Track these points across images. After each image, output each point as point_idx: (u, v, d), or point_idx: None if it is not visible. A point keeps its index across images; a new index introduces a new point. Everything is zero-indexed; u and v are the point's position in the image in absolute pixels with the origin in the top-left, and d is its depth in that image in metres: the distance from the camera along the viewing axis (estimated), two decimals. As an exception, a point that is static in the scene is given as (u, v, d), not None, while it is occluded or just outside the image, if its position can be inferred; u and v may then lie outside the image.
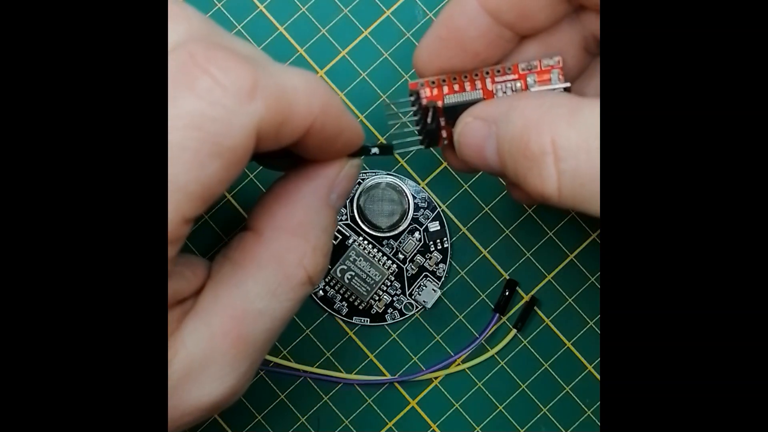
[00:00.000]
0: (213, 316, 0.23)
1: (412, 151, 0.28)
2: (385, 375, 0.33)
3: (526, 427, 0.33)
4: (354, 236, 0.33)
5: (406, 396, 0.33)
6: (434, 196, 0.33)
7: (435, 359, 0.33)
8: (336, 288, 0.33)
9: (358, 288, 0.33)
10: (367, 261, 0.33)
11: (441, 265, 0.33)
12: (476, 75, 0.27)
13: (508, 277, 0.33)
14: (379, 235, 0.33)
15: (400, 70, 0.34)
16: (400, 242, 0.33)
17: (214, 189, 0.21)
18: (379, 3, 0.34)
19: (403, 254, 0.33)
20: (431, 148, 0.28)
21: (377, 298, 0.33)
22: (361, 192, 0.32)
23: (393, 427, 0.33)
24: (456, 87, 0.27)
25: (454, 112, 0.26)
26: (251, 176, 0.33)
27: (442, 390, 0.33)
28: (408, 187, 0.33)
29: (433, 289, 0.33)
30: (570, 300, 0.33)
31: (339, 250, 0.32)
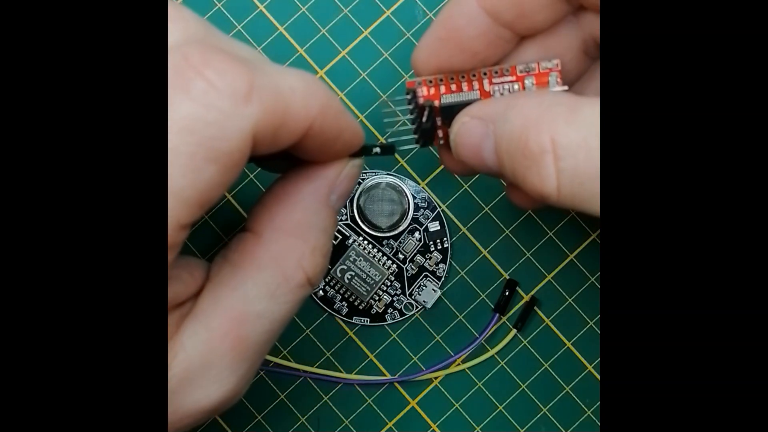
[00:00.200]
0: (212, 319, 0.23)
1: (406, 149, 0.28)
2: (385, 375, 0.33)
3: (526, 427, 0.33)
4: (354, 236, 0.33)
5: (406, 396, 0.33)
6: (434, 196, 0.33)
7: (435, 359, 0.33)
8: (336, 288, 0.33)
9: (358, 288, 0.33)
10: (367, 261, 0.33)
11: (441, 265, 0.33)
12: (474, 75, 0.27)
13: (508, 277, 0.33)
14: (379, 235, 0.33)
15: (400, 70, 0.34)
16: (400, 242, 0.33)
17: (210, 194, 0.21)
18: (379, 3, 0.34)
19: (403, 254, 0.33)
20: (431, 148, 0.28)
21: (377, 298, 0.33)
22: (361, 192, 0.32)
23: (393, 427, 0.33)
24: (453, 87, 0.27)
25: (451, 112, 0.26)
26: (251, 176, 0.33)
27: (442, 390, 0.33)
28: (408, 187, 0.33)
29: (433, 289, 0.33)
30: (570, 300, 0.33)
31: (339, 250, 0.32)
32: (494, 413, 0.33)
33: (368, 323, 0.33)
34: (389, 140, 0.27)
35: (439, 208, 0.33)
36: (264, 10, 0.34)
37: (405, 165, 0.33)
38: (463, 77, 0.27)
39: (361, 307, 0.33)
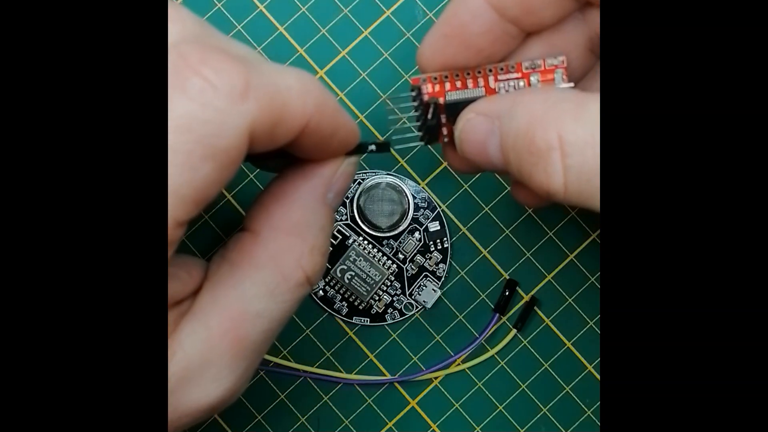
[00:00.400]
0: (211, 318, 0.23)
1: (411, 146, 0.27)
2: (385, 375, 0.33)
3: (526, 427, 0.33)
4: (354, 236, 0.33)
5: (406, 396, 0.33)
6: (434, 196, 0.33)
7: (435, 359, 0.33)
8: (336, 288, 0.33)
9: (358, 288, 0.33)
10: (367, 261, 0.33)
11: (441, 265, 0.33)
12: (479, 72, 0.26)
13: (508, 277, 0.33)
14: (379, 235, 0.33)
15: (400, 70, 0.34)
16: (400, 242, 0.33)
17: (207, 192, 0.21)
18: (379, 3, 0.34)
19: (403, 254, 0.33)
20: (431, 147, 0.27)
21: (377, 298, 0.33)
22: (361, 192, 0.32)
23: (393, 427, 0.33)
24: (458, 84, 0.27)
25: (456, 109, 0.26)
26: (251, 176, 0.33)
27: (442, 390, 0.33)
28: (408, 187, 0.33)
29: (433, 289, 0.33)
30: (570, 300, 0.33)
31: (339, 250, 0.32)
32: (494, 413, 0.33)
33: (368, 323, 0.33)
34: (392, 139, 0.27)
35: (439, 208, 0.33)
36: (264, 10, 0.34)
37: (405, 165, 0.33)
38: (468, 74, 0.27)
39: (361, 307, 0.33)
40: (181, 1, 0.34)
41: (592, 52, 0.27)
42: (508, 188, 0.33)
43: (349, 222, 0.33)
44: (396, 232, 0.33)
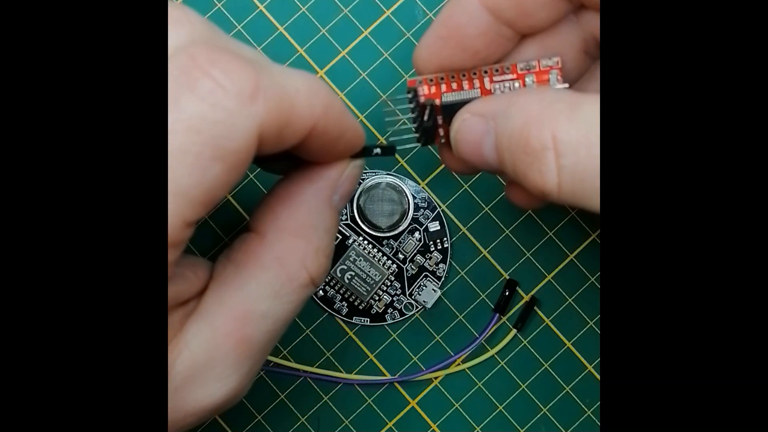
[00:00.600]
0: (216, 318, 0.23)
1: (408, 148, 0.28)
2: (385, 375, 0.33)
3: (526, 427, 0.33)
4: (354, 236, 0.33)
5: (406, 396, 0.33)
6: (434, 196, 0.33)
7: (435, 359, 0.33)
8: (336, 288, 0.33)
9: (358, 288, 0.33)
10: (367, 261, 0.33)
11: (441, 265, 0.33)
12: (475, 74, 0.27)
13: (508, 277, 0.33)
14: (379, 235, 0.33)
15: (400, 70, 0.34)
16: (400, 242, 0.33)
17: (215, 192, 0.21)
18: (379, 3, 0.34)
19: (403, 254, 0.33)
20: (431, 147, 0.28)
21: (377, 298, 0.33)
22: (361, 192, 0.32)
23: (393, 427, 0.33)
24: (454, 85, 0.27)
25: (452, 110, 0.26)
26: (251, 177, 0.33)
27: (442, 390, 0.33)
28: (408, 187, 0.33)
29: (433, 289, 0.33)
30: (570, 300, 0.33)
31: (339, 250, 0.32)
32: (494, 413, 0.33)
33: (368, 323, 0.33)
34: (390, 140, 0.27)
35: (439, 208, 0.33)
36: (264, 10, 0.34)
37: (405, 165, 0.33)
38: (464, 76, 0.27)
39: (361, 307, 0.33)
40: (181, 1, 0.34)
41: (587, 54, 0.27)
42: (508, 188, 0.33)
43: (349, 222, 0.33)
44: (396, 232, 0.33)
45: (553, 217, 0.33)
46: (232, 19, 0.34)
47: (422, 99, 0.27)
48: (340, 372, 0.33)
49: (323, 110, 0.22)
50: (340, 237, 0.33)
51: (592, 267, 0.33)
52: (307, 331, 0.33)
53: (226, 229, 0.33)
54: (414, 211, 0.33)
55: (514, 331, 0.33)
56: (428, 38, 0.26)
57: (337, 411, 0.33)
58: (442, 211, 0.33)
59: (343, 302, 0.33)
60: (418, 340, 0.33)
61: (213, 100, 0.20)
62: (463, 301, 0.33)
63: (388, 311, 0.33)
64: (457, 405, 0.33)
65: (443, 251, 0.33)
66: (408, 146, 0.27)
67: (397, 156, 0.33)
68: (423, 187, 0.33)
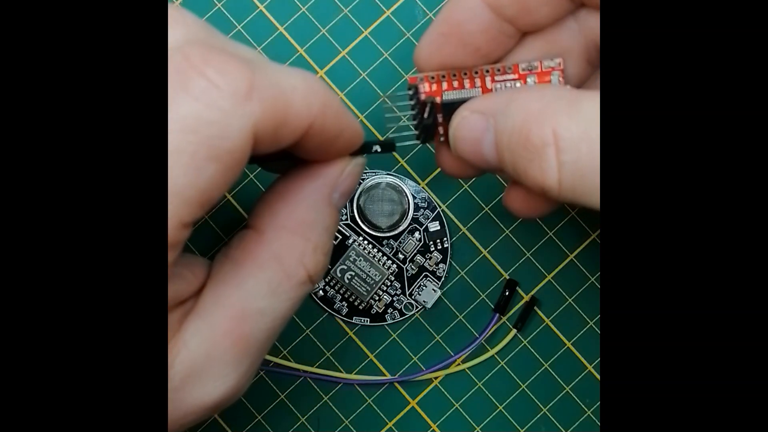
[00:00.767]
0: (214, 316, 0.23)
1: (408, 145, 0.28)
2: (385, 375, 0.33)
3: (526, 427, 0.33)
4: (354, 236, 0.33)
5: (406, 396, 0.33)
6: (434, 196, 0.33)
7: (435, 359, 0.33)
8: (336, 288, 0.33)
9: (358, 288, 0.33)
10: (367, 261, 0.33)
11: (441, 265, 0.33)
12: (476, 73, 0.27)
13: (508, 277, 0.33)
14: (379, 235, 0.33)
15: (400, 70, 0.34)
16: (400, 242, 0.33)
17: (212, 193, 0.21)
18: (379, 3, 0.34)
19: (403, 254, 0.33)
20: (430, 147, 0.27)
21: (377, 298, 0.33)
22: (361, 192, 0.32)
23: (393, 427, 0.33)
24: (455, 84, 0.27)
25: (452, 108, 0.26)
26: (251, 176, 0.33)
27: (442, 390, 0.33)
28: (408, 187, 0.33)
29: (433, 289, 0.33)
30: (570, 300, 0.33)
31: (339, 250, 0.32)
32: (494, 413, 0.33)
33: (368, 323, 0.33)
34: (389, 136, 0.27)
35: (439, 208, 0.33)
36: (264, 10, 0.34)
37: (405, 165, 0.33)
38: (465, 74, 0.27)
39: (361, 307, 0.33)
40: (180, 2, 0.34)
41: (589, 62, 0.27)
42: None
43: (349, 222, 0.33)
44: (396, 232, 0.33)
45: (553, 217, 0.33)
46: (232, 19, 0.34)
47: (423, 96, 0.27)
48: (340, 372, 0.33)
49: (320, 108, 0.22)
50: (340, 237, 0.33)
51: (592, 267, 0.33)
52: (307, 331, 0.33)
53: (225, 229, 0.33)
54: (414, 211, 0.33)
55: (514, 331, 0.33)
56: (430, 35, 0.26)
57: (337, 411, 0.33)
58: (442, 211, 0.33)
59: (343, 302, 0.33)
60: (418, 340, 0.33)
61: (208, 100, 0.20)
62: (463, 301, 0.33)
63: (388, 311, 0.33)
64: (457, 405, 0.33)
65: (443, 251, 0.33)
66: (407, 143, 0.27)
67: (397, 156, 0.33)
68: (423, 187, 0.33)
